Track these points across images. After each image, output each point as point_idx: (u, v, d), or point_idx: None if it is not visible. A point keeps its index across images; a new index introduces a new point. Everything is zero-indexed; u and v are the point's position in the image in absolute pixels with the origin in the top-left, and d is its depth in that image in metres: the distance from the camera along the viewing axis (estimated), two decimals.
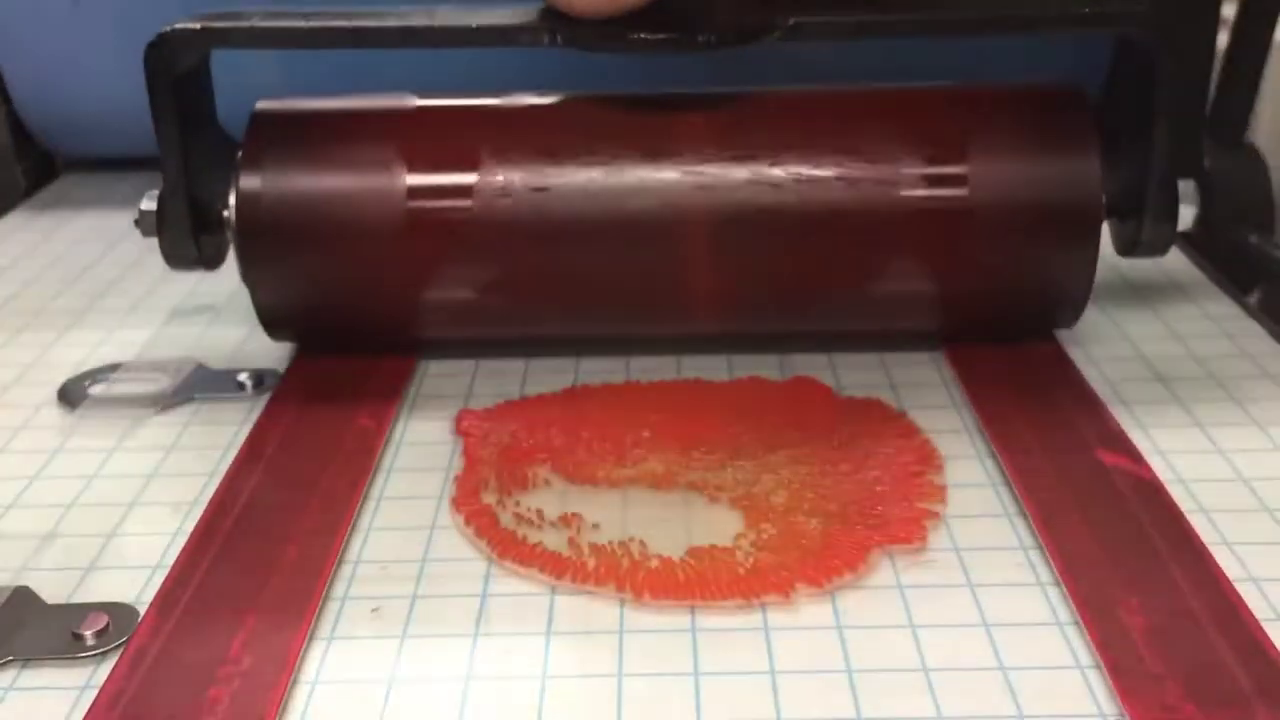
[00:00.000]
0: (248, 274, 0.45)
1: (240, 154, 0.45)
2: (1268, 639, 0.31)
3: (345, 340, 0.47)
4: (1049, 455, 0.39)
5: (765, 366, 0.47)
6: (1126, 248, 0.45)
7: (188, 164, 0.43)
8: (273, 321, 0.46)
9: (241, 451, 0.41)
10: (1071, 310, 0.46)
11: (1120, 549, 0.35)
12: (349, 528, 0.37)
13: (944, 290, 0.45)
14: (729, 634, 0.32)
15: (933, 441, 0.41)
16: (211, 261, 0.45)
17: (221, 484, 0.39)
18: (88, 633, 0.32)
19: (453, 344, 0.48)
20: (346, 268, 0.45)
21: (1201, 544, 0.35)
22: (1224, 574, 0.33)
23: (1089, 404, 0.43)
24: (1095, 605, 0.32)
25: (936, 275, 0.44)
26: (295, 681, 0.31)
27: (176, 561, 0.35)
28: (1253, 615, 0.32)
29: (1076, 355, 0.46)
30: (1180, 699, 0.29)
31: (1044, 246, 0.44)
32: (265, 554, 0.35)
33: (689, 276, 0.44)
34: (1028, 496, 0.37)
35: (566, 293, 0.45)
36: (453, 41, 0.41)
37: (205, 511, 0.38)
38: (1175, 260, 0.55)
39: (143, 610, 0.33)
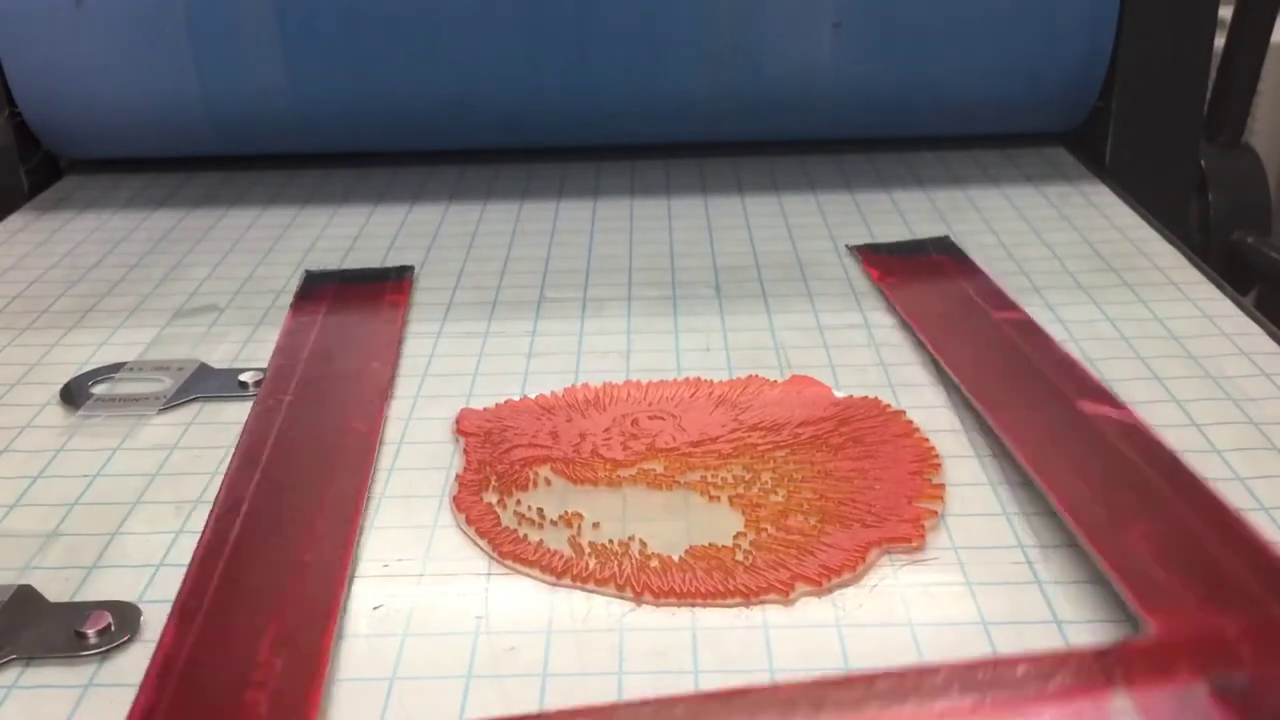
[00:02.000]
0: None
1: None
2: (1271, 545, 0.32)
3: None
4: (1033, 409, 0.41)
5: (765, 366, 0.47)
6: None
7: None
8: None
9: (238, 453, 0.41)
10: None
11: (1116, 482, 0.36)
12: (358, 527, 0.37)
13: None
14: (728, 632, 0.33)
15: (931, 441, 0.41)
16: None
17: (224, 483, 0.39)
18: (90, 631, 0.32)
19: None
20: None
21: (1194, 472, 0.36)
22: (1222, 498, 0.34)
23: (1066, 364, 0.44)
24: (1101, 531, 0.33)
25: None
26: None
27: (191, 564, 0.35)
28: (1256, 529, 0.33)
29: (1071, 352, 0.47)
30: (1198, 603, 0.30)
31: None
32: (280, 556, 0.35)
33: None
34: (1018, 444, 0.38)
35: None
36: None
37: (212, 511, 0.38)
38: (1173, 259, 0.55)
39: (145, 609, 0.34)
